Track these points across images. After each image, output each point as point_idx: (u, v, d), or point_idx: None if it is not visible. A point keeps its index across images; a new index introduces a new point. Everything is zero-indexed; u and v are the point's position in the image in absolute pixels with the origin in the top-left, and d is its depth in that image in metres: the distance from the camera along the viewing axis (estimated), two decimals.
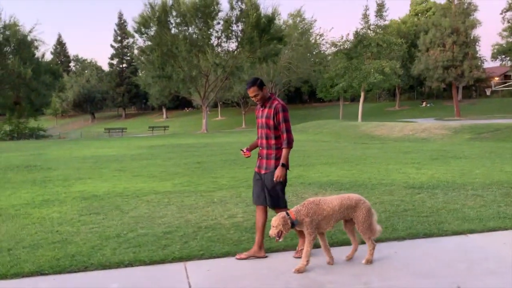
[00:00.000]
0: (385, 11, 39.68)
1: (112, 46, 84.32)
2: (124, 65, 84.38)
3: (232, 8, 35.00)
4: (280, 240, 4.11)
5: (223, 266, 4.19)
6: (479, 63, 48.99)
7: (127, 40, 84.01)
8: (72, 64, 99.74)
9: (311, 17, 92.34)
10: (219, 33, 36.19)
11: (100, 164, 14.03)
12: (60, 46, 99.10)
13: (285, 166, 4.35)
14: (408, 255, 4.40)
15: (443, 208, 6.22)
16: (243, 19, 33.88)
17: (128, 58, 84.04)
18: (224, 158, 14.57)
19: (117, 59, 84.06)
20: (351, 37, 38.90)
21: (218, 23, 35.71)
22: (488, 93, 47.26)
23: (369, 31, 37.58)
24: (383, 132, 24.84)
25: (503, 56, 60.86)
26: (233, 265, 4.23)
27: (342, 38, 39.44)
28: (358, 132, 26.47)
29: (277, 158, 4.40)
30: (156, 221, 5.93)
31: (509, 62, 60.00)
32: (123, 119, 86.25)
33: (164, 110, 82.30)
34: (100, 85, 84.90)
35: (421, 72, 49.05)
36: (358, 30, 38.35)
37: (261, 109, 4.54)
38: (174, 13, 35.23)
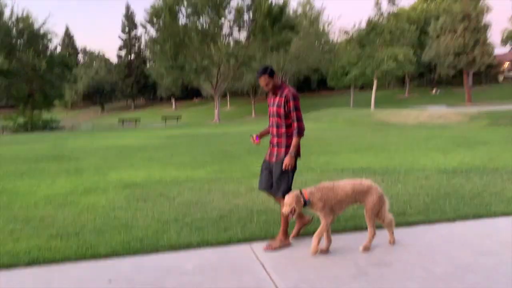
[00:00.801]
0: None
1: (120, 37, 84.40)
2: (132, 56, 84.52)
3: None
4: (294, 217, 4.18)
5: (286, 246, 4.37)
6: (490, 50, 48.52)
7: (135, 31, 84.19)
8: (80, 56, 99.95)
9: (321, 5, 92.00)
10: (231, 22, 36.19)
11: (125, 154, 14.25)
12: (68, 38, 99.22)
13: (295, 155, 4.37)
14: (463, 235, 4.57)
15: (484, 191, 6.35)
16: (255, 8, 33.80)
17: (137, 49, 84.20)
18: (247, 146, 14.73)
19: (125, 50, 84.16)
20: (363, 25, 38.81)
21: (230, 12, 35.72)
22: (500, 79, 46.86)
23: (381, 18, 37.35)
24: (399, 119, 24.87)
25: None
26: (295, 245, 4.41)
27: (354, 26, 39.37)
28: (373, 119, 26.52)
29: (288, 146, 4.41)
30: (206, 206, 6.12)
31: None
32: (132, 110, 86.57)
33: (173, 101, 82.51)
34: (109, 77, 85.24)
35: (431, 59, 48.71)
36: (371, 17, 38.18)
37: (272, 97, 4.55)
38: (185, 3, 35.22)
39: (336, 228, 4.84)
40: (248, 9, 35.01)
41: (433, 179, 7.48)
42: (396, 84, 70.35)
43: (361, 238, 4.56)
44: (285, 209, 4.08)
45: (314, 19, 50.37)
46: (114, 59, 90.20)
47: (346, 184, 4.27)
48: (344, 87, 51.26)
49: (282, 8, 34.38)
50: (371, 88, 42.51)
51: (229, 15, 36.01)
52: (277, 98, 4.45)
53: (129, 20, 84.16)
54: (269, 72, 4.40)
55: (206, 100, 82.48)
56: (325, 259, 4.06)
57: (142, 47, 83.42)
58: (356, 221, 5.07)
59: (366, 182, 4.35)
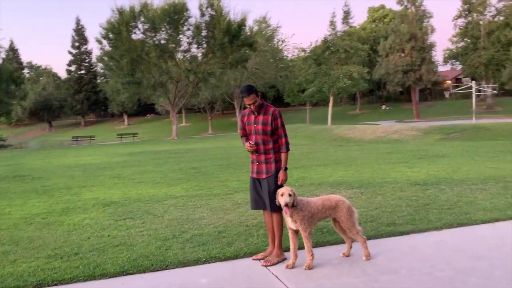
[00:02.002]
0: (351, 18, 41.23)
1: (69, 52, 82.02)
2: (83, 71, 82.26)
3: (202, 14, 35.20)
4: (288, 213, 4.21)
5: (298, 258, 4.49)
6: (435, 68, 51.55)
7: (85, 46, 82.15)
8: (25, 71, 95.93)
9: (276, 23, 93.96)
10: (190, 39, 36.26)
11: (91, 172, 13.89)
12: (13, 52, 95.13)
13: (286, 169, 4.57)
14: (454, 242, 4.90)
15: (459, 201, 6.81)
16: (214, 25, 34.11)
17: (87, 64, 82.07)
18: (215, 163, 14.78)
19: (75, 66, 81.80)
20: (319, 43, 40.08)
21: (188, 29, 35.80)
22: (447, 96, 49.78)
23: (336, 38, 38.81)
24: (356, 135, 25.79)
25: (453, 60, 64.54)
26: (302, 257, 4.56)
27: (311, 45, 40.62)
28: (332, 135, 27.32)
29: (277, 161, 4.57)
30: (199, 222, 6.15)
31: (459, 66, 63.57)
32: (83, 126, 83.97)
33: (125, 117, 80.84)
34: (57, 93, 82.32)
35: (381, 77, 51.02)
36: (326, 36, 39.59)
37: (255, 115, 4.58)
38: (142, 19, 34.96)
39: (336, 240, 5.04)
40: (207, 26, 35.25)
41: (409, 191, 7.89)
42: (347, 100, 72.85)
43: (360, 247, 4.79)
44: (284, 199, 4.12)
45: (269, 37, 51.41)
46: (63, 74, 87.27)
47: (317, 200, 4.48)
48: (299, 103, 52.45)
49: (240, 26, 34.90)
50: (325, 105, 43.81)
51: (188, 32, 36.08)
52: (262, 117, 4.56)
53: (79, 34, 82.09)
54: (255, 91, 4.53)
55: (160, 117, 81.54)
56: (333, 269, 4.23)
57: (93, 62, 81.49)
58: None
59: (334, 197, 4.56)
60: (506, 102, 53.93)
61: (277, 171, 4.55)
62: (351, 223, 4.42)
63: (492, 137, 21.08)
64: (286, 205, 4.14)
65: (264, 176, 4.56)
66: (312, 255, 4.27)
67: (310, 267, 4.22)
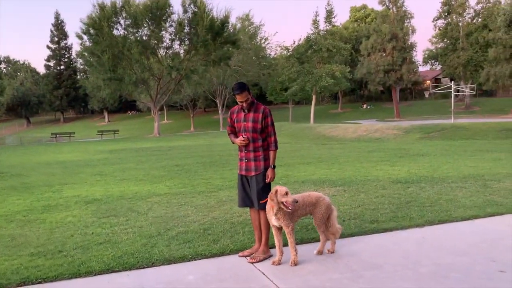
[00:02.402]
0: (334, 17, 41.49)
1: (48, 47, 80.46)
2: (62, 67, 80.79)
3: (185, 11, 34.97)
4: (291, 208, 4.24)
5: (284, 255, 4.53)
6: (416, 68, 52.34)
7: (65, 41, 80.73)
8: (2, 65, 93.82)
9: (260, 21, 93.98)
10: (172, 35, 35.99)
11: (72, 169, 13.72)
12: None
13: (274, 167, 4.62)
14: (436, 238, 5.01)
15: (440, 199, 6.95)
16: (197, 22, 33.91)
17: (67, 60, 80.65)
18: (198, 160, 14.75)
19: (54, 61, 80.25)
20: (302, 42, 40.23)
21: (171, 25, 35.53)
22: (426, 95, 50.62)
23: (319, 37, 39.02)
24: (339, 133, 26.03)
25: (433, 60, 65.70)
26: (287, 253, 4.60)
27: (294, 43, 40.74)
28: (314, 133, 27.51)
29: (266, 159, 4.60)
30: (184, 219, 6.14)
31: (438, 66, 64.71)
32: (62, 123, 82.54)
33: (106, 114, 79.81)
34: (36, 88, 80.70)
35: (363, 76, 51.55)
36: (309, 35, 39.75)
37: (245, 113, 4.58)
38: (124, 15, 34.55)
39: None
40: (190, 22, 35.02)
41: (390, 189, 8.02)
42: (329, 99, 73.40)
43: (344, 244, 4.86)
44: (291, 197, 4.20)
45: (252, 35, 51.40)
46: (41, 70, 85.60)
47: (298, 196, 4.52)
48: (282, 102, 52.63)
49: (223, 23, 34.80)
50: (307, 103, 44.06)
51: (170, 28, 35.80)
52: (252, 114, 4.55)
53: (59, 29, 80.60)
54: (247, 88, 4.53)
55: (141, 114, 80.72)
56: (318, 265, 4.28)
57: (73, 57, 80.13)
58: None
59: (314, 194, 4.66)
60: (483, 102, 55.13)
61: (265, 169, 4.57)
62: (322, 221, 4.53)
63: (470, 136, 21.54)
64: (297, 201, 4.23)
65: (253, 173, 4.58)
66: (296, 250, 4.32)
67: (295, 263, 4.26)
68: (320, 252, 4.58)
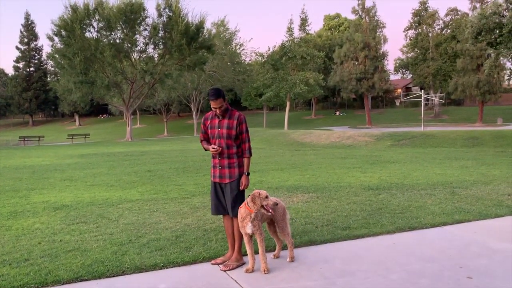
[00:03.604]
0: (308, 25, 41.98)
1: (18, 48, 78.42)
2: (32, 68, 78.80)
3: (160, 15, 34.68)
4: (271, 212, 4.30)
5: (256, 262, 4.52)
6: (387, 76, 53.43)
7: (35, 42, 78.86)
8: None
9: (235, 27, 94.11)
10: (146, 39, 35.63)
11: (41, 174, 13.34)
12: None
13: (248, 175, 4.62)
14: (406, 245, 5.09)
15: (410, 206, 7.09)
16: (172, 27, 33.69)
17: (36, 61, 78.75)
18: (172, 166, 14.59)
19: (23, 62, 78.22)
20: (277, 49, 40.52)
21: (145, 29, 35.19)
22: (397, 103, 51.69)
23: (293, 44, 39.37)
24: (312, 139, 26.26)
25: (404, 70, 67.32)
26: (258, 261, 4.59)
27: (269, 50, 40.98)
28: (288, 139, 27.66)
29: (239, 166, 4.59)
30: (156, 226, 6.05)
31: (409, 75, 66.33)
32: (31, 126, 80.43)
33: (76, 117, 78.21)
34: (3, 90, 78.44)
35: (336, 83, 52.26)
36: (284, 42, 40.06)
37: (219, 119, 4.55)
38: (97, 17, 34.00)
39: (293, 243, 5.11)
40: (164, 27, 34.77)
41: (362, 196, 8.13)
42: (303, 106, 74.11)
43: (318, 251, 4.89)
44: (272, 200, 4.25)
45: (227, 40, 51.44)
46: (9, 71, 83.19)
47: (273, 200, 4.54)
48: (256, 107, 52.78)
49: (199, 28, 34.69)
50: (281, 109, 44.32)
51: (144, 32, 35.46)
52: (226, 121, 4.53)
53: (29, 30, 78.69)
54: (222, 95, 4.49)
55: (113, 118, 79.49)
56: (291, 272, 4.29)
57: (43, 59, 78.30)
58: (310, 236, 5.40)
59: (272, 199, 4.64)
60: (452, 111, 56.75)
61: (240, 176, 4.56)
62: (285, 224, 4.57)
63: (439, 144, 22.11)
64: (277, 204, 4.27)
65: (227, 180, 4.54)
66: (265, 257, 4.32)
67: (268, 270, 4.26)
68: (293, 257, 4.60)
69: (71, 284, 4.03)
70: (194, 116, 52.48)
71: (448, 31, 52.66)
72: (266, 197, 4.25)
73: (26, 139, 36.90)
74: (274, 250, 4.89)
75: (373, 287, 3.89)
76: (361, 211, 6.75)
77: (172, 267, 4.43)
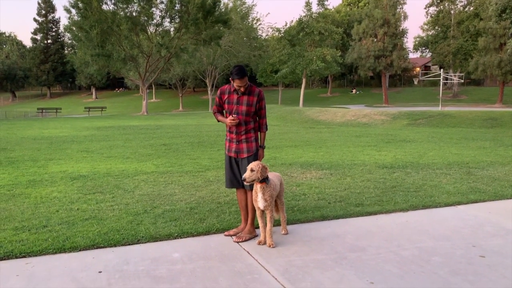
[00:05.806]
0: (327, 0, 41.15)
1: (35, 20, 78.62)
2: (49, 41, 79.13)
3: None
4: (247, 184, 4.32)
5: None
6: (406, 54, 52.41)
7: (52, 14, 78.96)
8: None
9: (252, 1, 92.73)
10: (163, 12, 35.38)
11: (58, 145, 13.56)
12: None
13: (264, 148, 4.69)
14: (419, 223, 5.09)
15: (424, 185, 7.05)
16: (188, 0, 33.34)
17: (54, 34, 78.99)
18: (186, 140, 14.69)
19: (41, 35, 78.52)
20: (294, 24, 39.88)
21: (162, 2, 34.90)
22: (415, 82, 50.86)
23: (311, 19, 38.70)
24: (327, 117, 26.08)
25: (423, 48, 65.82)
26: (274, 234, 4.64)
27: (286, 25, 40.35)
28: (303, 117, 27.52)
29: (256, 140, 4.64)
30: (171, 198, 6.14)
31: (428, 54, 64.94)
32: (48, 98, 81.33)
33: (93, 90, 78.76)
34: (22, 62, 79.12)
35: (353, 61, 51.48)
36: (301, 17, 39.39)
37: (238, 95, 4.50)
38: None
39: (306, 218, 5.16)
40: (181, 0, 34.42)
41: (376, 173, 8.10)
42: (319, 83, 73.36)
43: (329, 226, 4.92)
44: (248, 175, 4.17)
45: (244, 15, 50.80)
46: (28, 43, 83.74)
47: (272, 177, 4.56)
48: (272, 84, 52.43)
49: (215, 2, 34.27)
50: (297, 86, 43.96)
51: (161, 5, 35.17)
52: (246, 97, 4.49)
53: (46, 2, 78.66)
54: (247, 73, 4.45)
55: (129, 91, 79.91)
56: (303, 246, 4.33)
57: (60, 31, 78.52)
58: (322, 212, 5.42)
59: (276, 173, 4.74)
60: (471, 91, 55.63)
61: (257, 150, 4.61)
62: (281, 199, 4.67)
63: (456, 124, 21.76)
64: (244, 180, 4.21)
65: (245, 155, 4.56)
66: (272, 233, 4.37)
67: (274, 245, 4.30)
68: (286, 230, 4.69)
69: (88, 250, 4.14)
70: (209, 92, 52.43)
71: (471, 8, 51.18)
72: (251, 170, 4.23)
73: (44, 111, 37.42)
74: (289, 224, 4.92)
75: (384, 263, 3.91)
76: (375, 189, 6.74)
77: (186, 237, 4.51)
